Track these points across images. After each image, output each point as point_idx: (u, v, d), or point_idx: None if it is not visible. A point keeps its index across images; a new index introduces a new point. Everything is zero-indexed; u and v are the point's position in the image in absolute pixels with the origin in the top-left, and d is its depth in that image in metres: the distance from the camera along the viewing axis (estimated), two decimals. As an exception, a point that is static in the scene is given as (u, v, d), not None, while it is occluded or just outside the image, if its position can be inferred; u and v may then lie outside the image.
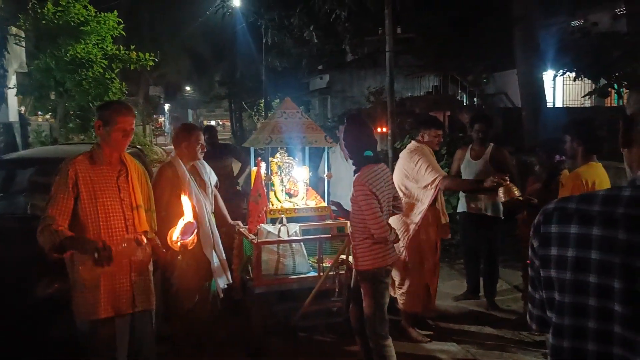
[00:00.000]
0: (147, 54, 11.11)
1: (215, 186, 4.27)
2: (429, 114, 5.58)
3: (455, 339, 4.58)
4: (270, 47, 15.55)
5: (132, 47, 11.23)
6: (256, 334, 4.17)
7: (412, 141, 4.67)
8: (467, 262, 5.64)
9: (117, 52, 11.06)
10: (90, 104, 10.75)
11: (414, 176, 4.45)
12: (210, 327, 4.29)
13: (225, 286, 4.14)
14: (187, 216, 2.85)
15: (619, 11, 13.32)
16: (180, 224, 2.84)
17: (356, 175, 3.39)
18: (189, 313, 3.97)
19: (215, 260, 4.06)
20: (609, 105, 13.62)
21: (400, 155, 4.71)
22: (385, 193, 3.40)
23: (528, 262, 1.33)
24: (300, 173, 4.57)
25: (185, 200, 2.95)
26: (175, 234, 2.83)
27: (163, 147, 27.20)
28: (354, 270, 3.61)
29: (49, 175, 4.82)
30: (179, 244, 2.85)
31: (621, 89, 7.40)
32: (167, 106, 41.99)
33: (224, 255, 4.18)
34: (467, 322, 4.92)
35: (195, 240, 2.88)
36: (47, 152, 6.14)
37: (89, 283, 2.82)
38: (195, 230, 2.86)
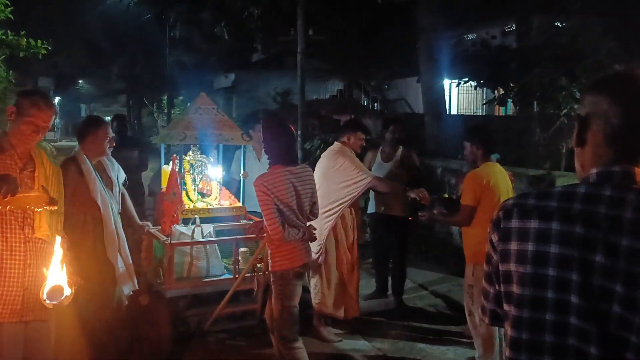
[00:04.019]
0: (39, 42, 10.22)
1: (124, 184, 4.01)
2: (356, 118, 5.66)
3: (365, 337, 4.65)
4: (178, 42, 15.00)
5: (23, 32, 10.28)
6: (165, 342, 3.96)
7: (336, 142, 4.69)
8: (377, 262, 5.76)
9: (4, 37, 10.06)
10: (-30, 93, 9.68)
11: (334, 176, 4.47)
12: (114, 336, 4.01)
13: (131, 292, 3.90)
14: (52, 280, 2.34)
15: (507, 28, 14.55)
16: (46, 287, 2.33)
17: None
18: (89, 321, 3.68)
19: (120, 265, 3.81)
20: (497, 114, 14.86)
21: (323, 155, 4.72)
22: (303, 194, 3.40)
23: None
24: (214, 172, 4.42)
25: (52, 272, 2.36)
26: (43, 293, 2.34)
27: (52, 143, 25.20)
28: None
29: None
30: (47, 303, 2.42)
31: (514, 99, 8.02)
32: (57, 99, 39.17)
33: (130, 259, 3.93)
34: (377, 321, 5.02)
35: (70, 299, 2.46)
36: None
37: None
38: (66, 296, 2.36)
